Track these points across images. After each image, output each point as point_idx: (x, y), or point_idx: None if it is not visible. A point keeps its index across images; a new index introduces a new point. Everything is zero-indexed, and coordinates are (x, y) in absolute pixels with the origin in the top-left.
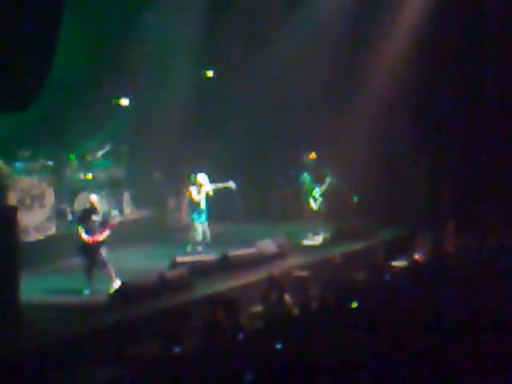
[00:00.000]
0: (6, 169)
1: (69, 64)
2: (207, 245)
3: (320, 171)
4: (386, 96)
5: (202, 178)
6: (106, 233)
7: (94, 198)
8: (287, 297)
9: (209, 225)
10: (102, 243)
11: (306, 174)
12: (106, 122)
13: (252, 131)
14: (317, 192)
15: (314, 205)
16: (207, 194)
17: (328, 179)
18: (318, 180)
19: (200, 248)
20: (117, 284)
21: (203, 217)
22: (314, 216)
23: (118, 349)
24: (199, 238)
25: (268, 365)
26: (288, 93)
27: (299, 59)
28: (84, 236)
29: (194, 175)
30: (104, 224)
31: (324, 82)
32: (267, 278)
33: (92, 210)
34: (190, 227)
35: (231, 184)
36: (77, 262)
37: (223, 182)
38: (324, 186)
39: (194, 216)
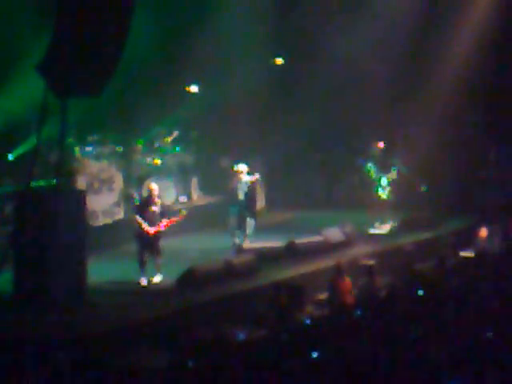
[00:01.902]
0: (74, 153)
1: (140, 51)
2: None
3: (387, 160)
4: (456, 85)
5: (241, 168)
6: (167, 223)
7: (154, 186)
8: (350, 285)
9: (249, 217)
10: (160, 234)
11: (371, 164)
12: (175, 109)
13: (319, 120)
14: (384, 181)
15: (381, 194)
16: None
17: (395, 168)
18: (385, 169)
19: (237, 240)
20: (158, 278)
21: (236, 208)
22: (382, 205)
23: (184, 333)
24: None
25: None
26: (356, 82)
27: (368, 48)
28: (144, 226)
29: (235, 165)
30: (164, 214)
31: (393, 72)
32: (335, 266)
33: (151, 198)
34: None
35: (258, 176)
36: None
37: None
38: (391, 175)
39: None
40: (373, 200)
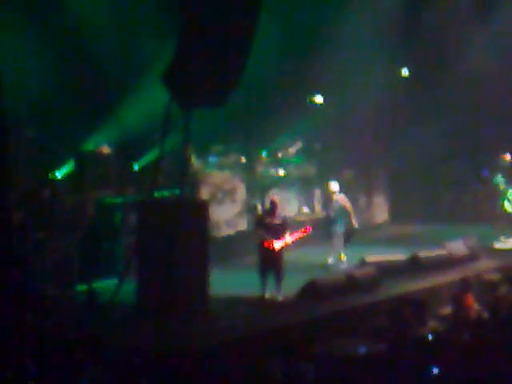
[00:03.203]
0: (198, 164)
1: (263, 62)
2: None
3: None
4: None
5: (333, 186)
6: (294, 239)
7: (276, 198)
8: (473, 300)
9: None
10: (284, 249)
11: (500, 176)
12: (299, 120)
13: (445, 131)
14: (511, 194)
15: (508, 207)
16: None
17: None
18: None
19: (330, 260)
20: (280, 296)
21: (332, 226)
22: (508, 218)
23: (306, 344)
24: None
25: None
26: (482, 93)
27: (493, 60)
28: (269, 241)
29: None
30: (286, 226)
31: None
32: (460, 280)
33: (274, 210)
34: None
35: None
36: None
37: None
38: None
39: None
40: (499, 213)
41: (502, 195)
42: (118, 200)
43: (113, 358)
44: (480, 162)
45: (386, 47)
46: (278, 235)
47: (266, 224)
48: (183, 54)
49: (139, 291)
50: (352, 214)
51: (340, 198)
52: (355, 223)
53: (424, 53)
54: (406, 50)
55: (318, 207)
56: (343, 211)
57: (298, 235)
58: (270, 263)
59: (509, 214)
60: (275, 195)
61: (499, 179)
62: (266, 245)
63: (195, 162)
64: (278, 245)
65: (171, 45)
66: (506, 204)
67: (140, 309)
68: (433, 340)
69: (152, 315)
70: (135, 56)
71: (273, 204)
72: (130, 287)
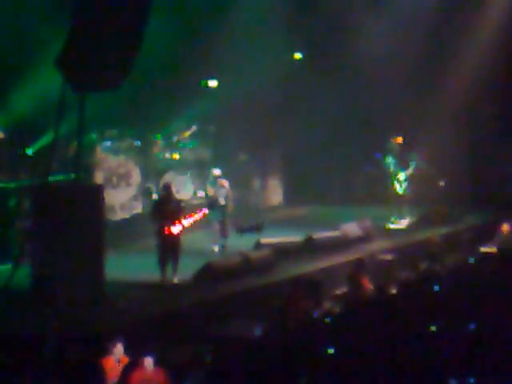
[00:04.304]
0: (92, 148)
1: (157, 46)
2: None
3: (406, 155)
4: (474, 80)
5: (215, 171)
6: (190, 222)
7: (170, 183)
8: (367, 280)
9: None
10: (180, 233)
11: (390, 158)
12: (193, 103)
13: (337, 115)
14: (402, 176)
15: (398, 188)
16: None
17: (413, 163)
18: (403, 164)
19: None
20: (176, 279)
21: (218, 213)
22: (399, 200)
23: (201, 327)
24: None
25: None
26: (374, 76)
27: (386, 43)
28: (167, 226)
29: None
30: (181, 210)
31: (411, 66)
32: (355, 261)
33: (170, 195)
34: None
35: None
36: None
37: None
38: (409, 170)
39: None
40: (389, 195)
41: (392, 177)
42: (12, 185)
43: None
44: (373, 145)
45: (281, 30)
46: (175, 219)
47: (163, 209)
48: (77, 38)
49: (33, 276)
50: (231, 198)
51: (223, 182)
52: (231, 207)
53: (317, 36)
54: (300, 33)
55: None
56: (227, 195)
57: (193, 218)
58: (169, 248)
59: (399, 195)
60: (169, 180)
61: (390, 161)
62: (165, 231)
63: (90, 146)
64: (175, 229)
65: (65, 28)
66: (397, 186)
67: (34, 294)
68: (328, 321)
69: (46, 300)
70: (28, 40)
71: (168, 189)
72: (24, 272)
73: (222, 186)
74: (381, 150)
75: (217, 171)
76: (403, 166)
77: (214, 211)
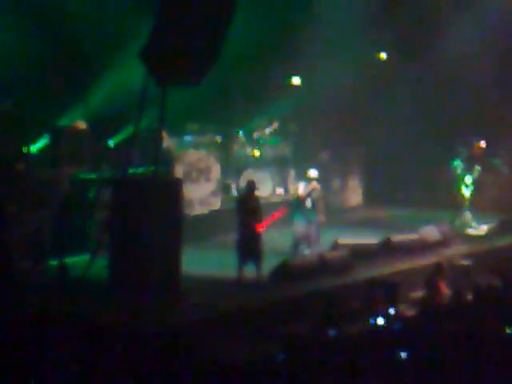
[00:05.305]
0: (173, 142)
1: (242, 42)
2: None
3: (489, 160)
4: None
5: (313, 174)
6: (271, 219)
7: (253, 181)
8: (444, 285)
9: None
10: (261, 232)
11: (457, 162)
12: (276, 100)
13: (420, 115)
14: (468, 179)
15: (465, 192)
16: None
17: (478, 167)
18: (487, 168)
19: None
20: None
21: (303, 215)
22: (466, 204)
23: (275, 326)
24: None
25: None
26: (456, 80)
27: (470, 47)
28: (252, 222)
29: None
30: (259, 209)
31: (493, 71)
32: (434, 265)
33: (252, 192)
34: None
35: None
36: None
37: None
38: (475, 174)
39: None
40: (456, 199)
41: (459, 180)
42: (92, 176)
43: (84, 335)
44: (451, 148)
45: (366, 30)
46: (255, 217)
47: (245, 206)
48: (161, 31)
49: (111, 267)
50: (321, 209)
51: (316, 186)
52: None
53: (402, 37)
54: (385, 32)
55: (292, 188)
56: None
57: (273, 217)
58: (249, 245)
59: (466, 199)
60: (251, 177)
61: (457, 163)
62: (247, 227)
63: (170, 140)
64: (261, 227)
65: (149, 22)
66: (463, 189)
67: (111, 285)
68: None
69: (123, 292)
70: (112, 33)
71: (252, 186)
72: (102, 263)
73: (313, 189)
74: (462, 155)
75: (313, 173)
76: (471, 170)
77: (298, 213)
